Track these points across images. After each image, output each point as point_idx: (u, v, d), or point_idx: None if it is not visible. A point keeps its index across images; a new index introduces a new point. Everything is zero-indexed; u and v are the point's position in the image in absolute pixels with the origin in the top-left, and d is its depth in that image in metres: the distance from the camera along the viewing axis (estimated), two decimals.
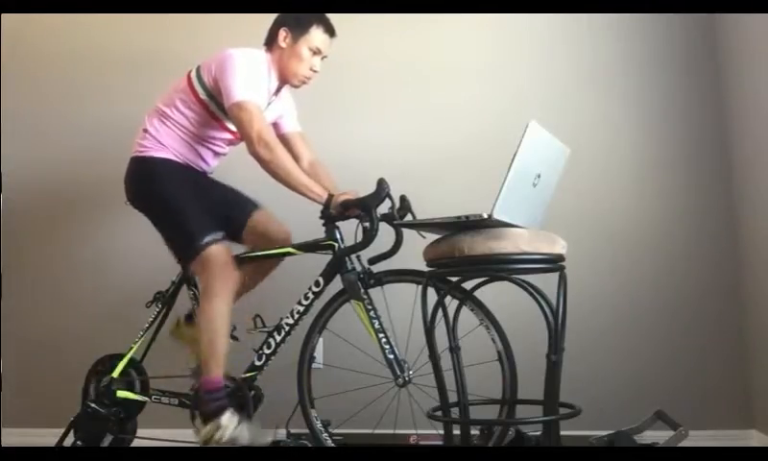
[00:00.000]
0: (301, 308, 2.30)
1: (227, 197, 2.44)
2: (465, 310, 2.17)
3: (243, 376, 2.29)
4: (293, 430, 2.36)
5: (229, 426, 2.13)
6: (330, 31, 2.36)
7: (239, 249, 2.40)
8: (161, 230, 2.30)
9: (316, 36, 2.33)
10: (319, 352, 2.57)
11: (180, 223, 2.24)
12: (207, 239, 2.20)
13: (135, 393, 2.37)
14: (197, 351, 2.31)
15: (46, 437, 2.43)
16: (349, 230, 2.27)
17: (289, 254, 2.33)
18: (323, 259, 2.31)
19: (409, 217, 2.31)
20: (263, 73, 2.30)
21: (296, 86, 2.42)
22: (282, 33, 2.34)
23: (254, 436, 2.18)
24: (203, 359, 2.21)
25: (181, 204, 2.26)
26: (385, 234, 2.21)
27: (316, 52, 2.34)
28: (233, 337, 2.39)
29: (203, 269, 2.21)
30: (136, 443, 2.40)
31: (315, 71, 2.37)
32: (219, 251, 2.21)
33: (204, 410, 2.18)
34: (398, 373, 2.20)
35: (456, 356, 2.13)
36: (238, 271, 2.25)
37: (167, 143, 2.31)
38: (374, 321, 2.24)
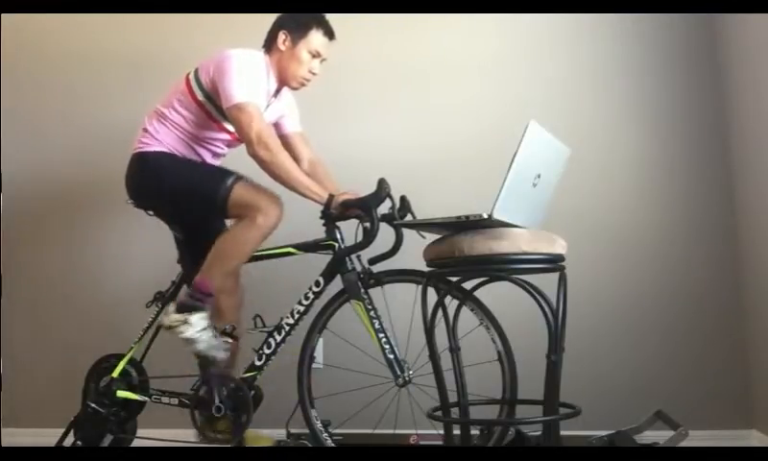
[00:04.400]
0: (301, 308, 2.30)
1: None
2: (465, 310, 2.17)
3: (243, 375, 2.29)
4: (293, 430, 2.36)
5: (195, 326, 2.17)
6: (330, 34, 2.36)
7: None
8: (179, 209, 2.30)
9: (315, 38, 2.33)
10: (319, 352, 2.57)
11: (195, 187, 2.24)
12: (230, 181, 2.20)
13: (135, 393, 2.36)
14: None
15: (46, 437, 2.43)
16: (350, 231, 2.27)
17: (289, 253, 2.33)
18: (323, 259, 2.31)
19: (409, 217, 2.31)
20: (262, 75, 2.30)
21: (294, 89, 2.42)
22: (281, 35, 2.34)
23: (213, 347, 2.21)
24: (207, 261, 2.22)
25: (189, 173, 2.27)
26: (385, 234, 2.21)
27: (315, 55, 2.34)
28: (233, 337, 2.39)
29: (240, 209, 2.21)
30: (136, 443, 2.40)
31: (314, 74, 2.37)
32: (245, 185, 2.22)
33: (182, 300, 2.22)
34: (398, 373, 2.20)
35: (456, 356, 2.13)
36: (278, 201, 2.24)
37: (166, 141, 2.31)
38: (374, 321, 2.24)
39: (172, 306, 2.24)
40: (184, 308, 2.20)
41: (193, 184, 2.25)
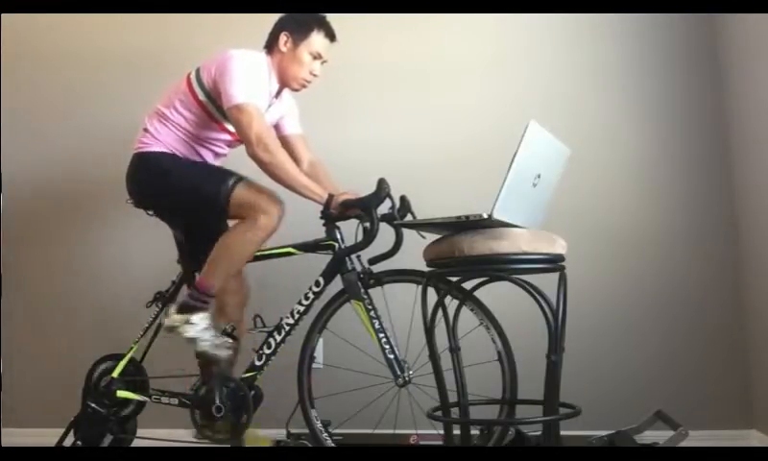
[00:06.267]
0: (301, 308, 2.30)
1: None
2: (465, 310, 2.17)
3: (243, 375, 2.29)
4: (293, 430, 2.36)
5: (196, 326, 2.17)
6: (331, 35, 2.36)
7: None
8: (179, 211, 2.31)
9: (317, 40, 2.33)
10: (319, 352, 2.57)
11: (197, 187, 2.24)
12: (232, 181, 2.21)
13: (135, 393, 2.36)
14: None
15: (46, 437, 2.43)
16: (350, 231, 2.27)
17: (289, 254, 2.33)
18: (323, 259, 2.31)
19: (409, 217, 2.31)
20: (263, 75, 2.30)
21: (295, 90, 2.42)
22: (283, 37, 2.34)
23: (215, 346, 2.21)
24: (209, 262, 2.22)
25: (191, 172, 2.27)
26: (385, 234, 2.21)
27: (316, 56, 2.34)
28: (233, 337, 2.39)
29: (240, 210, 2.21)
30: (136, 443, 2.40)
31: (315, 75, 2.37)
32: (245, 187, 2.22)
33: (183, 301, 2.22)
34: (398, 373, 2.20)
35: (456, 356, 2.13)
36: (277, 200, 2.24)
37: (167, 142, 2.31)
38: (374, 321, 2.24)
39: (173, 307, 2.24)
40: (185, 309, 2.20)
41: (195, 184, 2.25)
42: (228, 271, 2.24)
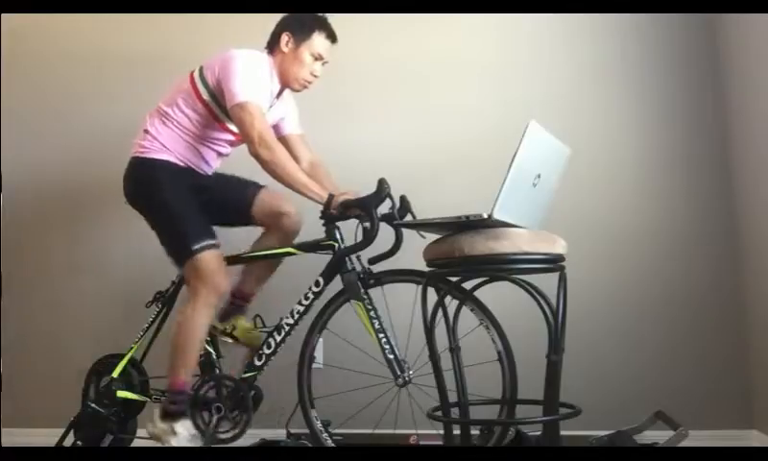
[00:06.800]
0: (301, 308, 2.30)
1: (228, 183, 2.45)
2: (465, 310, 2.17)
3: (243, 375, 2.29)
4: (293, 430, 2.36)
5: (180, 436, 2.17)
6: (332, 37, 2.37)
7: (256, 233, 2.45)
8: (157, 232, 2.31)
9: (318, 41, 2.34)
10: (319, 352, 2.57)
11: (174, 227, 2.25)
12: (199, 245, 2.21)
13: (135, 393, 2.37)
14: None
15: (46, 437, 2.43)
16: (350, 231, 2.27)
17: (289, 254, 2.33)
18: (323, 259, 2.31)
19: (409, 217, 2.31)
20: (266, 75, 2.31)
21: (296, 90, 2.42)
22: (285, 37, 2.34)
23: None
24: (172, 359, 2.22)
25: (178, 207, 2.26)
26: (385, 234, 2.21)
27: (317, 57, 2.35)
28: (233, 337, 2.39)
29: (192, 274, 2.23)
30: (136, 443, 2.40)
31: (316, 76, 2.38)
32: (210, 257, 2.21)
33: (164, 407, 2.21)
34: (398, 373, 2.20)
35: (456, 356, 2.13)
36: (228, 278, 2.27)
37: (168, 145, 2.31)
38: (374, 321, 2.24)
39: (156, 411, 2.23)
40: (168, 416, 2.20)
41: (171, 224, 2.26)
42: (190, 360, 2.23)
